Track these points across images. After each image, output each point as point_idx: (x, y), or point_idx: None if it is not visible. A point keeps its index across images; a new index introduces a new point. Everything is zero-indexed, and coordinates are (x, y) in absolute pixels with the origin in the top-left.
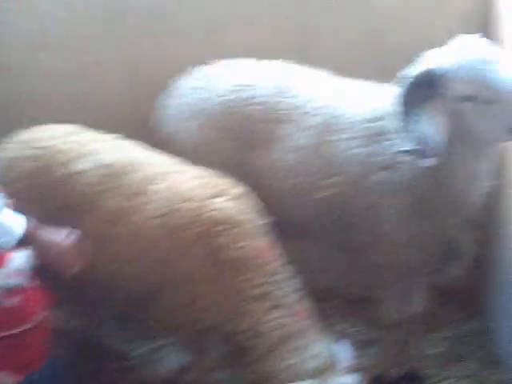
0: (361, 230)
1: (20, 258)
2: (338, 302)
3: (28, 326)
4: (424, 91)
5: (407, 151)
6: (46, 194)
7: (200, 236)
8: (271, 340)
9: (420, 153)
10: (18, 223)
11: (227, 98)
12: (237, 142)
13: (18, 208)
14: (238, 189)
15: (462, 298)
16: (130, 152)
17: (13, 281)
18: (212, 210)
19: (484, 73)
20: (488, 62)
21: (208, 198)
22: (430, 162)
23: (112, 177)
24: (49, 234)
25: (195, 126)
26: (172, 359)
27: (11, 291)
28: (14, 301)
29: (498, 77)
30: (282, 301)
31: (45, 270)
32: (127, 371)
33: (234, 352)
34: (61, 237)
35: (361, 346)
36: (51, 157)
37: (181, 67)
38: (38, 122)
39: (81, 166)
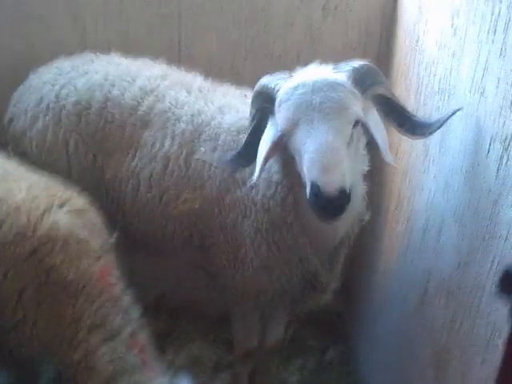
0: (219, 251)
1: None
2: (197, 320)
3: None
4: (268, 106)
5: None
6: None
7: (29, 253)
8: (104, 376)
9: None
10: None
11: (82, 96)
12: (91, 147)
13: None
14: (80, 200)
15: (325, 325)
16: None
17: None
18: (46, 225)
19: (287, 114)
20: (310, 104)
21: (43, 211)
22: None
23: None
24: None
25: (45, 127)
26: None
27: None
28: None
29: (291, 125)
30: (118, 331)
31: None
32: None
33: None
34: None
35: (213, 370)
36: None
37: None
38: None
39: None
